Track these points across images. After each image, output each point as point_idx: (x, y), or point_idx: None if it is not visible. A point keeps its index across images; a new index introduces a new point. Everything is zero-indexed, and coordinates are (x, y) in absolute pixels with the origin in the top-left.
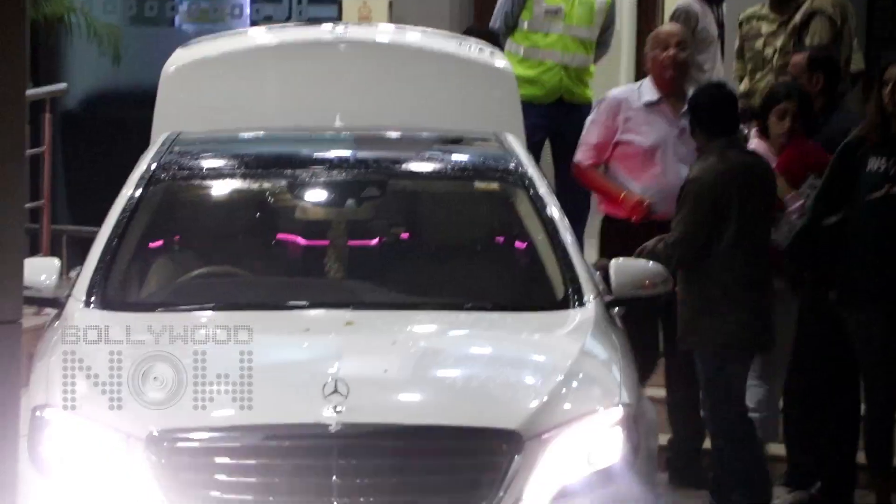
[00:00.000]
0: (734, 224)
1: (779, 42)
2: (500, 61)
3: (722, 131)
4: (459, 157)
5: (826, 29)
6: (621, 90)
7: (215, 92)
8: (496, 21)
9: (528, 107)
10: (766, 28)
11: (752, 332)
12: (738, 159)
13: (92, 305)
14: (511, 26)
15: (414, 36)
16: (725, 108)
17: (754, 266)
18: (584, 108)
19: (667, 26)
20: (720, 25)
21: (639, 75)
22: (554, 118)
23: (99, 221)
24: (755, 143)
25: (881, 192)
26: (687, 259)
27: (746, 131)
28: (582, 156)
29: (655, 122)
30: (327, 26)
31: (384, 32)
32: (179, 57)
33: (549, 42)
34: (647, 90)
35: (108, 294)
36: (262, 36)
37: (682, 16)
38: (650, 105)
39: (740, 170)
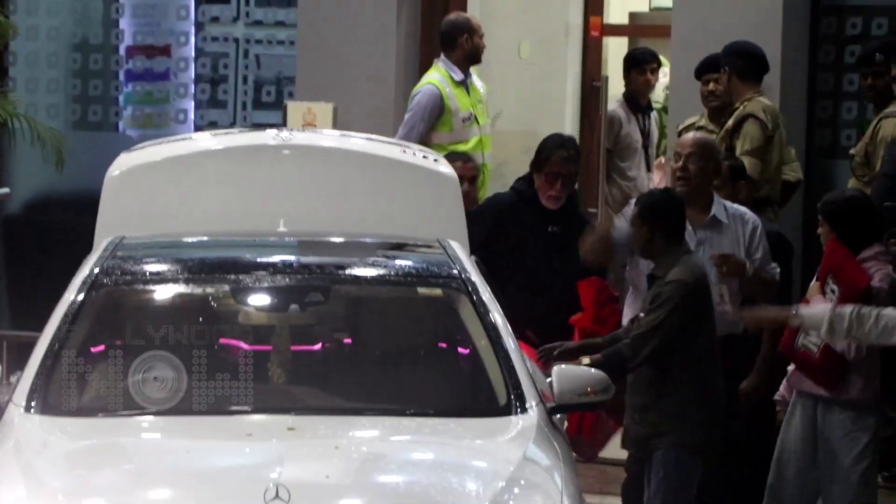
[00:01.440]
0: (707, 329)
1: None
2: (444, 167)
3: (679, 238)
4: (402, 263)
5: (757, 132)
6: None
7: (159, 196)
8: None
9: None
10: None
11: (718, 437)
12: (701, 266)
13: (32, 411)
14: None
15: (358, 142)
16: (680, 214)
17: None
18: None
19: (684, 136)
20: (645, 134)
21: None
22: None
23: (40, 326)
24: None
25: None
26: (655, 357)
27: None
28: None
29: None
30: (271, 132)
31: (328, 138)
32: (123, 161)
33: (470, 147)
34: None
35: (48, 399)
36: (206, 141)
37: (606, 120)
38: None
39: (706, 276)
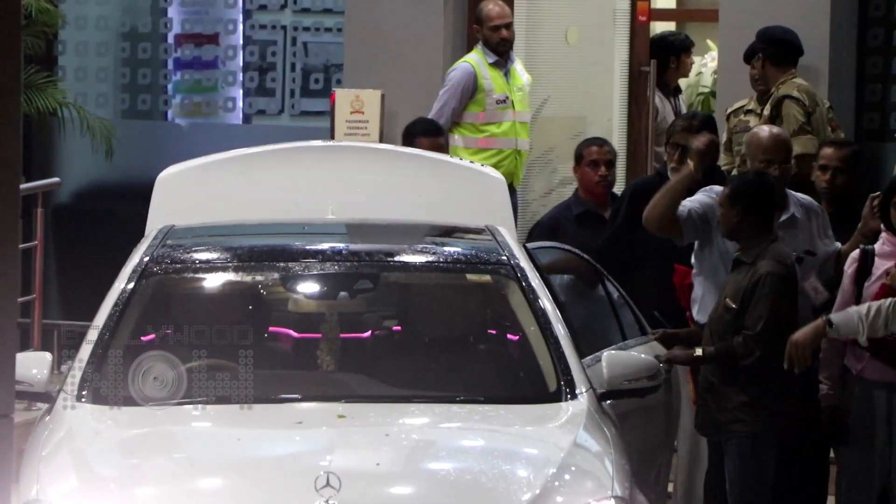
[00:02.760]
0: (790, 317)
1: None
2: (491, 171)
3: (768, 225)
4: (452, 250)
5: (797, 110)
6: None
7: (210, 189)
8: (441, 118)
9: None
10: (753, 122)
11: (793, 426)
12: (789, 255)
13: (83, 400)
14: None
15: (404, 149)
16: (771, 199)
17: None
18: (517, 192)
19: (764, 132)
20: (678, 115)
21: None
22: None
23: (91, 316)
24: (883, 238)
25: None
26: (768, 356)
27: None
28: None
29: None
30: (317, 142)
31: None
32: (174, 167)
33: (502, 131)
34: None
35: (99, 389)
36: (254, 148)
37: (654, 104)
38: None
39: (794, 265)
